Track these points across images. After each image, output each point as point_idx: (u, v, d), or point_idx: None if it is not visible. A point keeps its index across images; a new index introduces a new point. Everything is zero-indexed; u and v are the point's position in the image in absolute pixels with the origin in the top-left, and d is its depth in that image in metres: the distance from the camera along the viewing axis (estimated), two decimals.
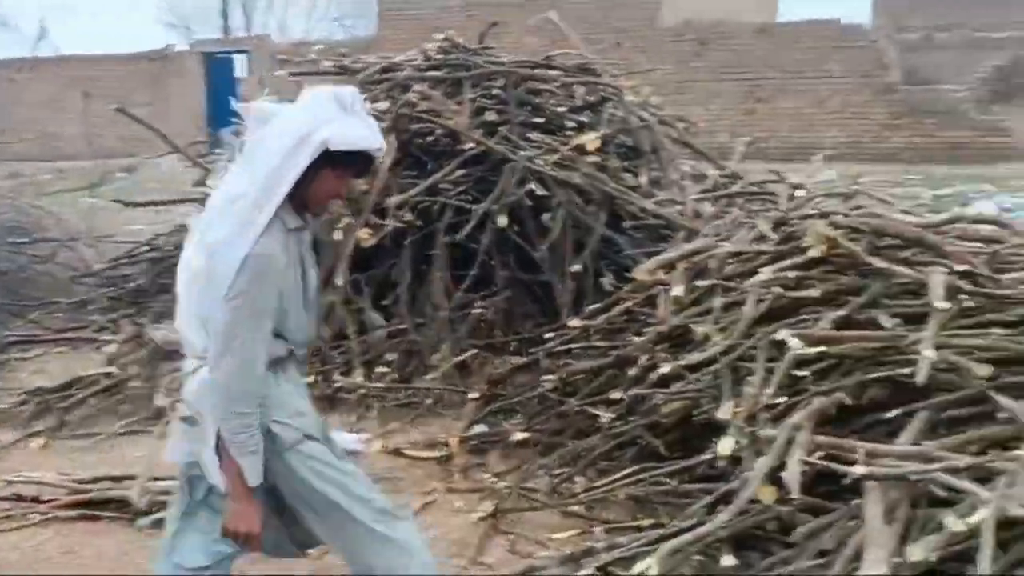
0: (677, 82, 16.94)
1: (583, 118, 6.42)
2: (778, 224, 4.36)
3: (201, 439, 2.44)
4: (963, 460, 2.64)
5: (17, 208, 9.00)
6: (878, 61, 16.47)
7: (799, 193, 4.75)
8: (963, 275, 3.55)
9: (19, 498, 4.23)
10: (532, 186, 5.67)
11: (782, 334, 3.23)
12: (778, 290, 3.84)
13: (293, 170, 2.29)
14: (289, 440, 2.44)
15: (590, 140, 6.02)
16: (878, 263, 3.63)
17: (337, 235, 5.60)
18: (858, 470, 2.58)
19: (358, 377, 5.35)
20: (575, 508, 3.94)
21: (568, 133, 6.22)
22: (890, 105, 16.46)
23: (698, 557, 3.15)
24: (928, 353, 2.87)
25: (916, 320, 3.35)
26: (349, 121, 2.32)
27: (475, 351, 5.61)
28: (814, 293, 3.79)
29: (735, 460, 3.27)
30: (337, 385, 5.18)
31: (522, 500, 4.02)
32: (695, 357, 3.74)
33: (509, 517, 3.94)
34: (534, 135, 6.16)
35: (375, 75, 6.04)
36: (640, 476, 3.79)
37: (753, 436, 3.05)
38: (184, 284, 2.47)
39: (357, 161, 2.39)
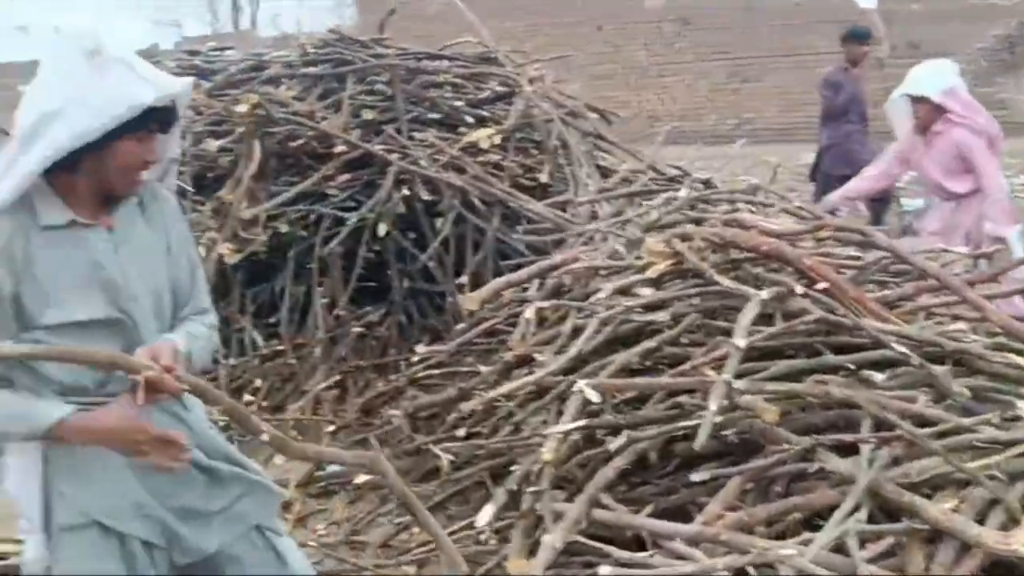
0: (660, 64, 16.33)
1: (485, 112, 5.90)
2: (647, 230, 3.83)
3: None
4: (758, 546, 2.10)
5: None
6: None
7: (681, 193, 4.19)
8: (825, 292, 3.02)
9: None
10: (408, 191, 5.15)
11: (579, 384, 2.70)
12: (620, 312, 3.31)
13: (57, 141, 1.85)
14: (61, 520, 1.94)
15: (484, 136, 5.50)
16: (725, 282, 3.08)
17: (200, 251, 5.12)
18: (602, 572, 2.05)
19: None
20: (403, 567, 3.45)
21: (465, 130, 5.69)
22: (883, 80, 15.71)
23: None
24: (712, 407, 2.33)
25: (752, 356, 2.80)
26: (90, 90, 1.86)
27: (356, 373, 5.13)
28: (661, 316, 3.26)
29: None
30: None
31: (346, 558, 3.54)
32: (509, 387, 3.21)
33: None
34: (429, 133, 5.65)
35: (238, 75, 5.54)
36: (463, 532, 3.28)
37: (524, 506, 2.53)
38: None
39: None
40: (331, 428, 4.49)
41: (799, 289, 2.87)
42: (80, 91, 1.86)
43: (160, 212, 2.12)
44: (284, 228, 5.35)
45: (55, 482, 1.93)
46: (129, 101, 1.87)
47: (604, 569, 2.31)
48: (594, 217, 5.08)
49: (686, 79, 16.26)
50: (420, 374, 4.44)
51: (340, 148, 5.24)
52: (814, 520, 2.40)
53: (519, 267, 5.03)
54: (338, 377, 4.94)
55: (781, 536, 2.44)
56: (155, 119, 1.95)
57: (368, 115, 5.49)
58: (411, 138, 5.53)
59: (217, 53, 6.40)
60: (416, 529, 3.67)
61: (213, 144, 5.45)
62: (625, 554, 2.24)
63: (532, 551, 2.53)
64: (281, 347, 5.26)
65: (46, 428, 1.85)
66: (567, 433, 2.73)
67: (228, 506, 2.14)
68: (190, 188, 5.15)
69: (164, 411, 2.03)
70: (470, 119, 5.80)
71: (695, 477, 2.53)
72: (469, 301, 3.90)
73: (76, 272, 1.93)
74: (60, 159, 1.87)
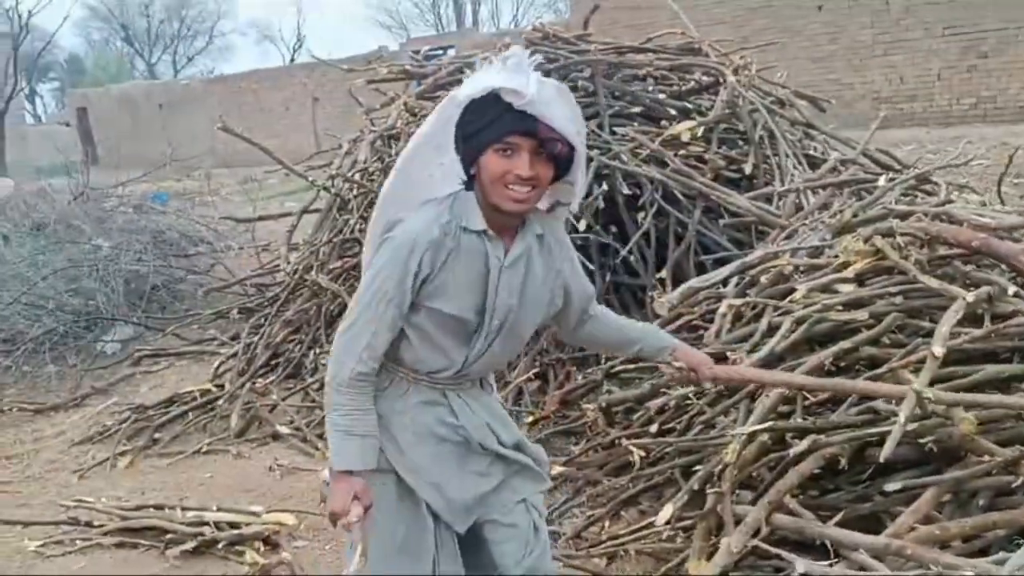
0: (886, 43, 15.43)
1: (688, 104, 5.83)
2: (844, 229, 3.68)
3: None
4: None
5: (187, 219, 9.49)
6: None
7: (884, 183, 3.98)
8: None
9: (74, 522, 4.36)
10: (608, 186, 5.18)
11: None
12: (817, 311, 3.20)
13: (432, 135, 2.12)
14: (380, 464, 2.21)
15: (686, 129, 5.44)
16: (929, 281, 2.92)
17: None
18: (799, 567, 2.02)
19: None
20: (593, 559, 3.51)
21: (667, 123, 5.66)
22: None
23: None
24: (901, 417, 2.22)
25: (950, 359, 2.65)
26: (482, 74, 2.06)
27: (557, 365, 5.23)
28: (860, 315, 3.13)
29: None
30: None
31: None
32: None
33: None
34: (630, 127, 5.66)
35: (446, 77, 5.76)
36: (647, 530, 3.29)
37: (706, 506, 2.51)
38: None
39: (504, 125, 2.01)
40: (530, 419, 4.60)
41: (1012, 289, 2.67)
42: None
43: (558, 252, 2.27)
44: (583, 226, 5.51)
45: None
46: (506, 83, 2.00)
47: (800, 566, 2.24)
48: (799, 209, 4.92)
49: (915, 57, 15.27)
50: (617, 368, 4.47)
51: None
52: (1016, 538, 2.25)
53: (720, 261, 4.97)
54: (539, 369, 5.04)
55: (983, 553, 2.30)
56: (516, 133, 2.02)
57: None
58: (613, 133, 5.56)
59: (439, 52, 6.69)
60: (607, 523, 3.73)
61: None
62: (805, 563, 2.19)
63: (713, 553, 2.52)
64: None
65: (333, 463, 2.12)
66: (753, 434, 2.68)
67: (504, 480, 2.30)
68: None
69: (467, 395, 2.25)
70: (673, 112, 5.76)
71: (888, 487, 2.42)
72: (660, 306, 3.89)
73: (472, 274, 2.14)
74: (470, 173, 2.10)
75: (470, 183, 2.13)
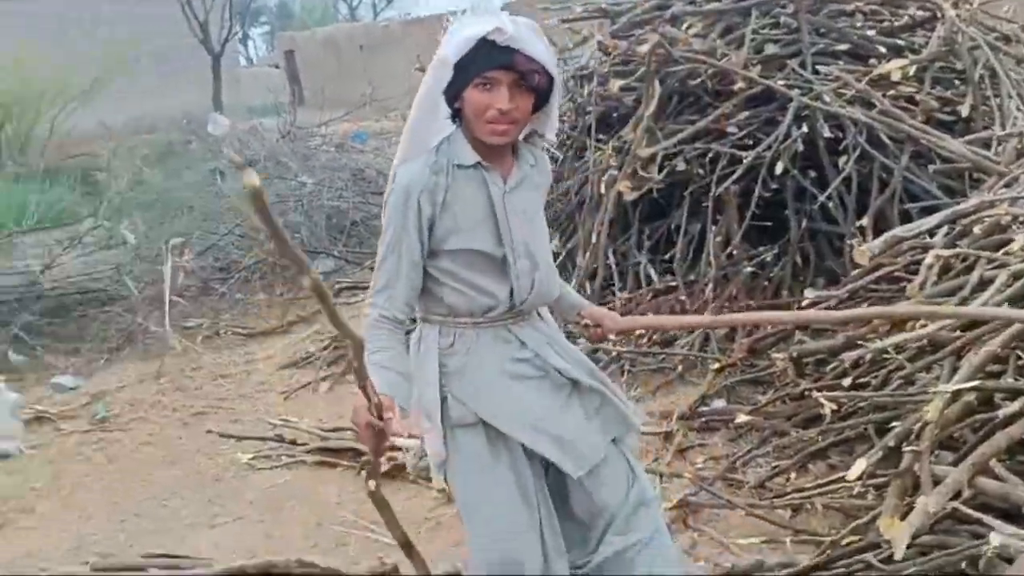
0: None
1: (900, 41, 5.47)
2: None
3: None
4: None
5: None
6: None
7: None
8: None
9: (280, 440, 4.70)
10: (808, 128, 4.95)
11: None
12: None
13: (429, 94, 2.19)
14: (454, 418, 2.28)
15: (897, 68, 5.11)
16: None
17: (600, 188, 5.39)
18: (993, 540, 1.91)
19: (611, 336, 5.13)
20: (776, 510, 3.45)
21: (875, 62, 5.33)
22: None
23: None
24: None
25: None
26: (465, 23, 2.17)
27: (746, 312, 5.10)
28: None
29: None
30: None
31: (720, 494, 3.61)
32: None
33: (703, 512, 3.57)
34: (835, 66, 5.36)
35: (642, 15, 5.63)
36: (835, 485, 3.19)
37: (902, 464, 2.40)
38: None
39: (484, 62, 2.13)
40: (716, 366, 4.54)
41: None
42: (442, 48, 2.15)
43: (543, 180, 2.36)
44: (681, 166, 5.43)
45: (449, 386, 2.24)
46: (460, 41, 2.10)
47: (996, 538, 2.13)
48: (1020, 156, 4.55)
49: None
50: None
51: (740, 85, 5.17)
52: None
53: (928, 210, 4.68)
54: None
55: None
56: (496, 68, 2.11)
57: (770, 49, 5.35)
58: (815, 72, 5.29)
59: None
60: (793, 474, 3.65)
61: (616, 84, 5.64)
62: (1005, 532, 2.06)
63: (907, 513, 2.41)
64: (673, 283, 5.38)
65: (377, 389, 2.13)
66: (957, 393, 2.53)
67: (588, 417, 2.30)
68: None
69: (530, 327, 2.28)
70: (882, 49, 5.42)
71: None
72: (860, 255, 3.72)
73: (477, 206, 2.21)
74: (455, 108, 2.17)
75: (456, 121, 2.20)
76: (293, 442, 4.66)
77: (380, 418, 2.02)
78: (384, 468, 4.26)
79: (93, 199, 9.26)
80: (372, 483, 2.15)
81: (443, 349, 2.24)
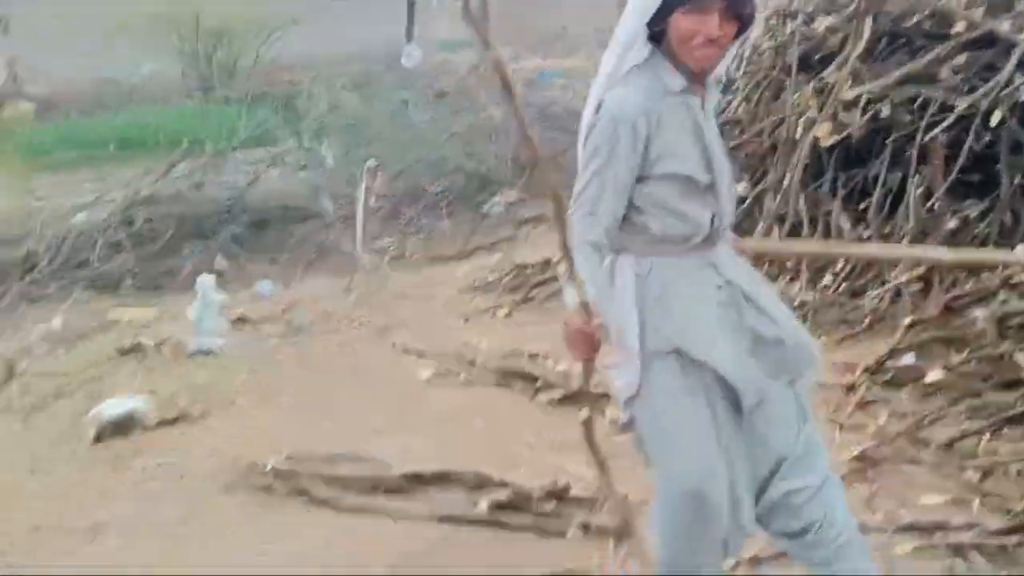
0: None
1: None
2: None
3: None
4: None
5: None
6: None
7: None
8: None
9: (459, 360, 4.85)
10: None
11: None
12: None
13: (634, 18, 2.21)
14: (651, 347, 2.25)
15: None
16: None
17: (797, 131, 5.21)
18: None
19: (799, 284, 5.00)
20: (964, 473, 3.30)
21: None
22: None
23: None
24: None
25: None
26: None
27: (944, 269, 4.84)
28: None
29: None
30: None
31: (904, 450, 3.49)
32: None
33: (885, 466, 3.46)
34: None
35: None
36: None
37: None
38: None
39: None
40: (908, 320, 4.34)
41: None
42: None
43: (715, 107, 2.34)
44: (886, 111, 5.16)
45: (646, 315, 2.23)
46: None
47: None
48: None
49: None
50: (1018, 278, 4.06)
51: (959, 27, 4.84)
52: None
53: None
54: (923, 271, 4.70)
55: None
56: None
57: None
58: None
59: None
60: (986, 437, 3.48)
61: (823, 22, 5.40)
62: None
63: None
64: (868, 234, 5.16)
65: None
66: None
67: (769, 349, 2.27)
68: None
69: (726, 255, 2.29)
70: None
71: None
72: None
73: (686, 131, 2.21)
74: (659, 35, 2.17)
75: (658, 45, 2.18)
76: (472, 363, 4.81)
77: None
78: (558, 394, 4.35)
79: (294, 123, 9.72)
80: (583, 410, 2.21)
81: (641, 277, 2.24)
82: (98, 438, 4.26)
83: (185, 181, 7.71)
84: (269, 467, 3.70)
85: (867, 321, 4.67)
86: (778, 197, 5.26)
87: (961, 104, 4.82)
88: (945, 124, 4.86)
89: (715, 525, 2.27)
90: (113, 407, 4.35)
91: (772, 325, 2.27)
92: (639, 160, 2.18)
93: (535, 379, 4.52)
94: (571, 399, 4.24)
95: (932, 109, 5.01)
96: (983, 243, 5.05)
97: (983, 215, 5.11)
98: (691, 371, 2.22)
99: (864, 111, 5.11)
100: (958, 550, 2.86)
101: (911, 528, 2.89)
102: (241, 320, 5.73)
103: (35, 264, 6.53)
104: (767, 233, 5.24)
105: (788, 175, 5.18)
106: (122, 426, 4.30)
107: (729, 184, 2.29)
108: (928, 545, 2.84)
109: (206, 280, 5.56)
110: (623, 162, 2.17)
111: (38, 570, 3.26)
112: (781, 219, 5.29)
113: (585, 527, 3.18)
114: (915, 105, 5.14)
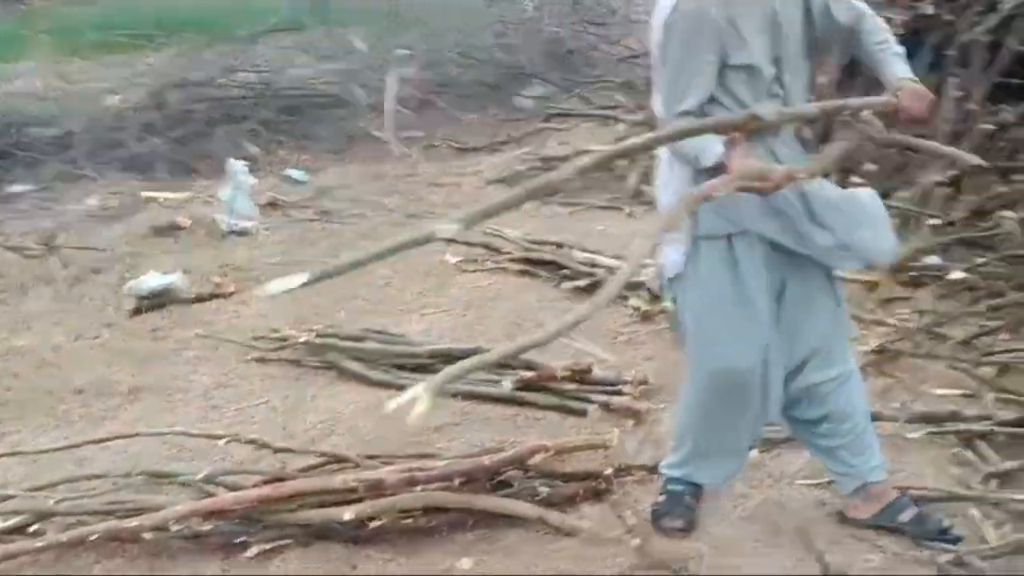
0: None
1: None
2: None
3: None
4: None
5: None
6: None
7: None
8: None
9: (486, 247, 4.92)
10: None
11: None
12: None
13: None
14: (704, 228, 2.33)
15: None
16: None
17: None
18: None
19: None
20: (980, 369, 3.36)
21: None
22: None
23: None
24: None
25: None
26: None
27: (976, 172, 4.80)
28: None
29: None
30: None
31: (922, 344, 3.55)
32: None
33: (902, 360, 3.52)
34: None
35: None
36: None
37: None
38: None
39: None
40: (935, 222, 4.35)
41: None
42: None
43: None
44: (929, 10, 5.04)
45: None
46: None
47: None
48: None
49: None
50: None
51: None
52: None
53: None
54: (955, 173, 4.67)
55: None
56: None
57: None
58: None
59: None
60: (1004, 335, 3.52)
61: None
62: None
63: None
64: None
65: (713, 162, 2.19)
66: None
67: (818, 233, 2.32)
68: None
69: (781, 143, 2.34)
70: None
71: None
72: None
73: (759, 16, 2.26)
74: None
75: None
76: (498, 250, 4.88)
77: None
78: (583, 283, 4.42)
79: (325, 10, 9.61)
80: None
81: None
82: (137, 310, 4.40)
83: (216, 65, 7.70)
84: (301, 340, 3.82)
85: (894, 223, 4.65)
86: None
87: (1009, 3, 4.70)
88: (989, 24, 4.75)
89: (743, 408, 2.37)
90: (151, 281, 4.48)
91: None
92: (717, 51, 2.23)
93: (560, 267, 4.60)
94: (596, 287, 4.33)
95: (977, 7, 4.90)
96: (1016, 148, 5.01)
97: (1021, 119, 5.04)
98: (740, 261, 2.31)
99: (906, 8, 4.99)
100: (968, 439, 2.95)
101: (924, 418, 2.96)
102: (272, 205, 5.80)
103: (70, 144, 6.59)
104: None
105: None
106: (159, 299, 4.44)
107: (798, 75, 2.31)
108: (938, 432, 2.92)
109: (237, 164, 5.64)
110: (703, 55, 2.23)
111: (82, 426, 3.43)
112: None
113: (606, 407, 3.29)
114: (957, 3, 5.03)
